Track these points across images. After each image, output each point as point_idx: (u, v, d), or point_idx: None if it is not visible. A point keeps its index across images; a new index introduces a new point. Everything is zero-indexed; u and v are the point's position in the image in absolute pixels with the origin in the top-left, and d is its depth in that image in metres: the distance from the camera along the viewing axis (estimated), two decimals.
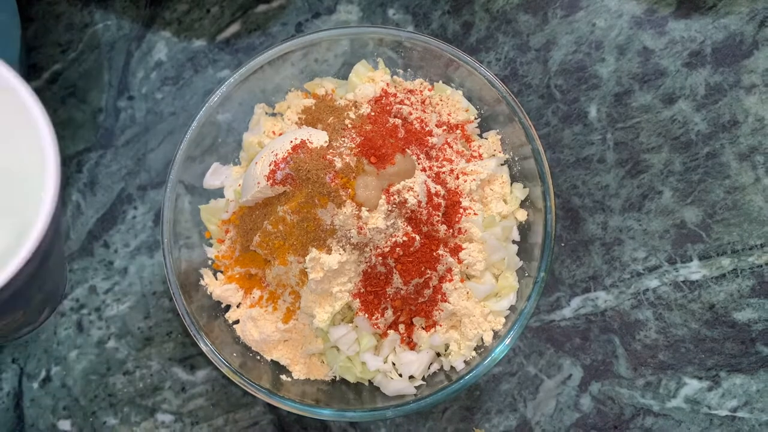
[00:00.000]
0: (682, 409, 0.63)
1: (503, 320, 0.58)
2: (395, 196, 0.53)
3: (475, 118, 0.63)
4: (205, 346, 0.57)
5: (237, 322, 0.61)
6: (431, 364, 0.60)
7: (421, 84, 0.64)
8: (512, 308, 0.58)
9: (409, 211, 0.54)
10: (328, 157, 0.53)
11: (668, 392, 0.64)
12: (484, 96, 0.62)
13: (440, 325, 0.58)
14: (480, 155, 0.61)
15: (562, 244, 0.67)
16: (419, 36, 0.61)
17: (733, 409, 0.63)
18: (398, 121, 0.57)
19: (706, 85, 0.67)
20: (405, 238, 0.54)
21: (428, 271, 0.55)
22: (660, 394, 0.64)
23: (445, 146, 0.59)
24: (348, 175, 0.53)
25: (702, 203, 0.66)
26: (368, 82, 0.62)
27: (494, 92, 0.60)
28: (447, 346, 0.59)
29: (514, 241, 0.61)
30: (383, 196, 0.53)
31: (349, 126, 0.57)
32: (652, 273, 0.65)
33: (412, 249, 0.55)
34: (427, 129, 0.58)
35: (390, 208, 0.53)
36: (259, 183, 0.55)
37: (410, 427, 0.65)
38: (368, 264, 0.55)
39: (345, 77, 0.65)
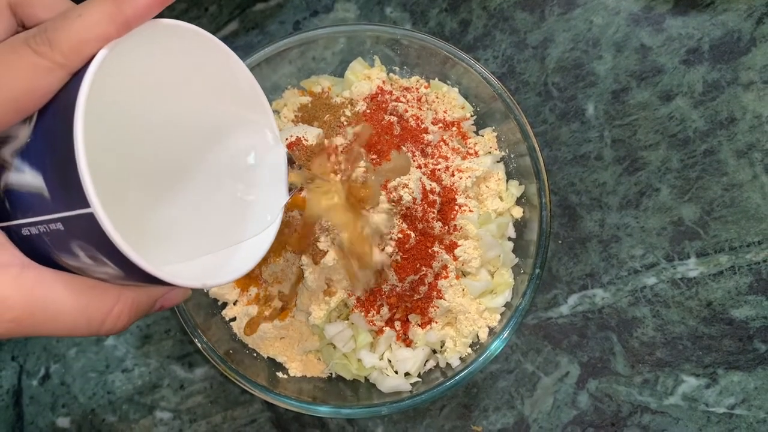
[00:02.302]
0: (679, 407, 0.63)
1: (498, 317, 0.58)
2: (393, 193, 0.53)
3: (471, 116, 0.63)
4: (201, 344, 0.57)
5: (234, 319, 0.61)
6: (427, 360, 0.60)
7: (418, 81, 0.64)
8: (508, 305, 0.58)
9: (404, 208, 0.54)
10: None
11: (666, 390, 0.64)
12: (481, 93, 0.62)
13: (436, 322, 0.58)
14: (476, 152, 0.61)
15: (560, 242, 0.66)
16: (415, 33, 0.61)
17: (730, 406, 0.63)
18: (394, 119, 0.57)
19: (704, 82, 0.67)
20: (400, 235, 0.54)
21: (423, 268, 0.55)
22: (657, 391, 0.64)
23: (441, 143, 0.59)
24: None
25: (699, 200, 0.66)
26: (364, 79, 0.62)
27: (490, 90, 0.60)
28: (443, 343, 0.59)
29: (509, 238, 0.61)
30: (383, 194, 0.53)
31: (345, 123, 0.57)
32: (650, 270, 0.65)
33: (407, 246, 0.55)
34: (422, 126, 0.58)
35: (390, 207, 0.53)
36: None
37: (407, 425, 0.65)
38: None
39: (342, 75, 0.65)
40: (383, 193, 0.53)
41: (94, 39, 0.31)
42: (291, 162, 0.44)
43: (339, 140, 0.53)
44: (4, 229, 0.34)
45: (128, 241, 0.30)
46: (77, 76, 0.32)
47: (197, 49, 0.38)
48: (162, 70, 0.38)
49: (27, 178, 0.32)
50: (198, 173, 0.44)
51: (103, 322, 0.35)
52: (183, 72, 0.39)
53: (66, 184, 0.30)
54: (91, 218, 0.30)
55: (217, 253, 0.42)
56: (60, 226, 0.31)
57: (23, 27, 0.37)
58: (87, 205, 0.29)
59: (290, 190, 0.44)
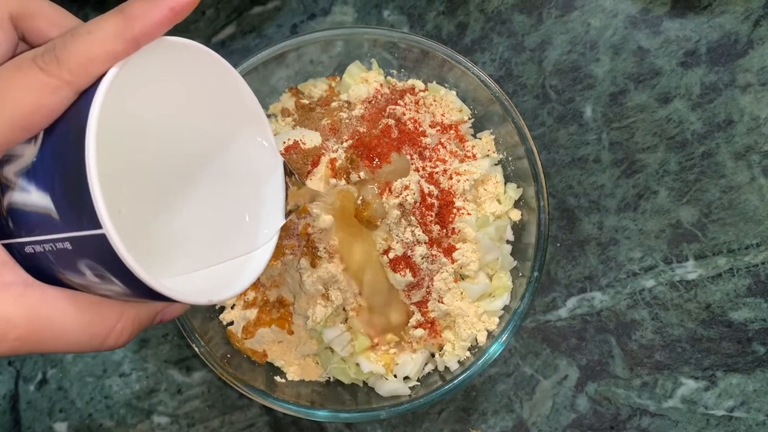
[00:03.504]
0: (678, 410, 0.63)
1: (497, 320, 0.58)
2: (400, 196, 0.53)
3: (469, 119, 0.63)
4: (199, 348, 0.57)
5: (231, 323, 0.61)
6: (426, 364, 0.60)
7: (415, 84, 0.63)
8: (506, 308, 0.58)
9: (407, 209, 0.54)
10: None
11: (665, 392, 0.63)
12: (478, 96, 0.62)
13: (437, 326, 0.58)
14: (474, 155, 0.61)
15: (558, 245, 0.66)
16: (413, 37, 0.61)
17: (729, 409, 0.63)
18: (391, 122, 0.57)
19: (702, 84, 0.67)
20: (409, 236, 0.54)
21: (421, 272, 0.55)
22: (656, 394, 0.63)
23: (439, 146, 0.59)
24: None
25: (698, 203, 0.66)
26: (362, 82, 0.62)
27: (488, 92, 0.60)
28: (441, 347, 0.59)
29: (508, 241, 0.61)
30: (392, 201, 0.53)
31: (343, 127, 0.57)
32: (648, 273, 0.65)
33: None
34: (420, 129, 0.58)
35: (399, 214, 0.53)
36: None
37: (406, 429, 0.65)
38: None
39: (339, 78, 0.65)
40: (389, 198, 0.53)
41: (102, 57, 0.31)
42: (290, 174, 0.44)
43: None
44: (5, 245, 0.34)
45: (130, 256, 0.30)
46: (86, 95, 0.31)
47: (199, 65, 0.38)
48: (164, 85, 0.39)
49: (33, 198, 0.32)
50: (197, 188, 0.44)
51: (106, 338, 0.35)
52: (184, 87, 0.39)
53: (76, 205, 0.30)
54: (103, 239, 0.30)
55: (216, 267, 0.43)
56: (68, 245, 0.31)
57: (23, 40, 0.37)
58: (99, 226, 0.29)
59: (290, 212, 0.45)
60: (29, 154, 0.33)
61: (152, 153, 0.42)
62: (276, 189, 0.44)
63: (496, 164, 0.62)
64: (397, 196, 0.53)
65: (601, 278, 0.66)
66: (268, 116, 0.65)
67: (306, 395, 0.59)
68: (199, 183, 0.44)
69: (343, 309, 0.57)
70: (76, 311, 0.34)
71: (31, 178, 0.32)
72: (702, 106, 0.67)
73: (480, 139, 0.63)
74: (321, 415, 0.56)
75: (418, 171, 0.56)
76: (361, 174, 0.53)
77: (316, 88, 0.64)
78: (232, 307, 0.61)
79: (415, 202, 0.54)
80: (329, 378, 0.61)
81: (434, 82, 0.64)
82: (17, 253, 0.34)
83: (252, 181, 0.44)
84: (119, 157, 0.39)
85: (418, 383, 0.59)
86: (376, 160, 0.54)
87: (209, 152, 0.44)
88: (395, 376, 0.58)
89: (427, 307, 0.57)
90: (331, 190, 0.53)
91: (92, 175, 0.29)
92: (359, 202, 0.53)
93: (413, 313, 0.57)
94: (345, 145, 0.55)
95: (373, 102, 0.60)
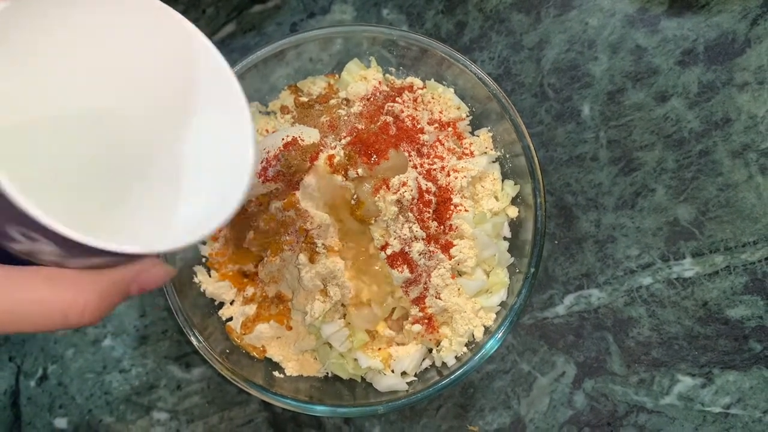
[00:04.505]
0: (675, 406, 0.63)
1: (494, 316, 0.58)
2: (397, 192, 0.54)
3: (467, 116, 0.64)
4: (198, 343, 0.57)
5: (230, 319, 0.61)
6: (423, 360, 0.60)
7: (413, 82, 0.64)
8: (503, 304, 0.58)
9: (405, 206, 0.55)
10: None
11: (662, 389, 0.64)
12: (476, 94, 0.62)
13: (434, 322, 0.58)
14: (471, 152, 0.61)
15: (556, 242, 0.67)
16: (411, 35, 0.62)
17: (726, 405, 0.63)
18: (390, 119, 0.57)
19: (699, 83, 0.67)
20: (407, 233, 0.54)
21: (419, 268, 0.56)
22: (653, 391, 0.64)
23: (437, 143, 0.59)
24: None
25: (695, 201, 0.66)
26: (360, 80, 0.63)
27: (486, 90, 0.60)
28: (439, 342, 0.59)
29: (505, 238, 0.62)
30: (389, 197, 0.53)
31: (341, 124, 0.57)
32: (646, 270, 0.65)
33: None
34: (418, 126, 0.59)
35: (397, 211, 0.54)
36: None
37: (404, 425, 0.65)
38: None
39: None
40: (386, 195, 0.53)
41: None
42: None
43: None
44: None
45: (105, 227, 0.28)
46: None
47: (145, 21, 0.36)
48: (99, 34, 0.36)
49: None
50: (161, 147, 0.42)
51: (66, 316, 0.33)
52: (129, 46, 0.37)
53: None
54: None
55: (180, 225, 0.40)
56: None
57: None
58: None
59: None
60: None
61: (104, 109, 0.40)
62: (245, 150, 0.40)
63: (493, 161, 0.63)
64: (395, 193, 0.54)
65: (599, 276, 0.66)
66: (268, 114, 0.66)
67: (304, 390, 0.59)
68: (163, 144, 0.42)
69: (342, 305, 0.58)
70: (25, 289, 0.32)
71: None
72: (699, 104, 0.67)
73: (478, 136, 0.63)
74: (319, 410, 0.56)
75: (416, 168, 0.57)
76: (359, 170, 0.54)
77: (315, 86, 0.65)
78: (231, 303, 0.61)
79: (413, 199, 0.54)
80: (327, 373, 0.61)
81: (432, 80, 0.64)
82: None
83: (218, 142, 0.41)
84: (71, 135, 0.37)
85: (416, 378, 0.59)
86: (374, 156, 0.55)
87: (171, 108, 0.41)
88: (393, 371, 0.59)
89: (424, 303, 0.57)
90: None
91: None
92: (353, 200, 0.54)
93: (407, 310, 0.57)
94: (343, 141, 0.56)
95: (372, 99, 0.60)
